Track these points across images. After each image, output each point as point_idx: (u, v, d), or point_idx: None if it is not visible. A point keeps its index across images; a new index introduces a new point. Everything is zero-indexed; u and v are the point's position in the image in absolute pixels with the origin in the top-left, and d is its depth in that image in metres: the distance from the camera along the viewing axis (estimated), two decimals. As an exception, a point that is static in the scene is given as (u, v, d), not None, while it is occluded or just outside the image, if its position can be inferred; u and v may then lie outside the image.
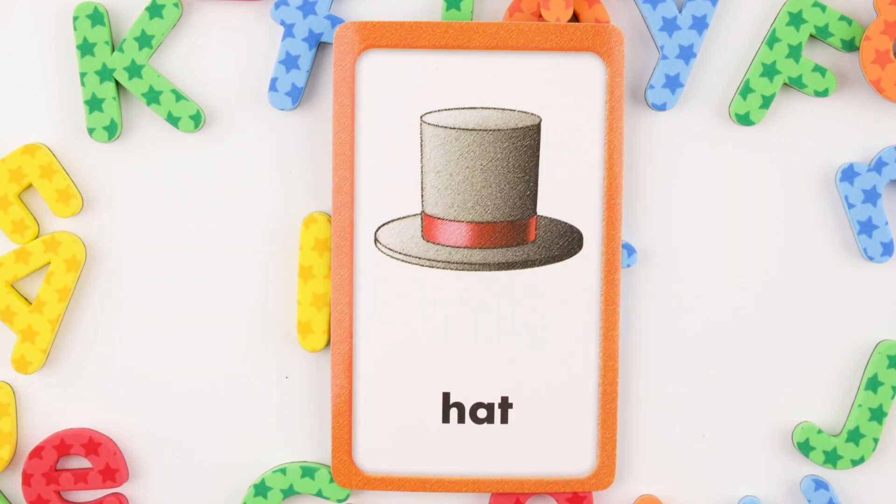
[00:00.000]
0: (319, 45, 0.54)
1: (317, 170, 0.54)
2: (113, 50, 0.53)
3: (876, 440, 0.54)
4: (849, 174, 0.54)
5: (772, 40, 0.53)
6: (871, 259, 0.54)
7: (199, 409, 0.55)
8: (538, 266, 0.53)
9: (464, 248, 0.53)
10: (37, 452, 0.55)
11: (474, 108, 0.52)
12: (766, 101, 0.53)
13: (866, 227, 0.54)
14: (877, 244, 0.54)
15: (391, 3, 0.54)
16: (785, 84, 0.53)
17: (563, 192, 0.53)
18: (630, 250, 0.53)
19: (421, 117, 0.52)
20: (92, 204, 0.55)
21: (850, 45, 0.53)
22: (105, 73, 0.53)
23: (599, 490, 0.54)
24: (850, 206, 0.54)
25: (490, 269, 0.53)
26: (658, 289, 0.55)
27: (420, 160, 0.52)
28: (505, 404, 0.53)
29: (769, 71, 0.53)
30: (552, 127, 0.52)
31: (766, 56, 0.53)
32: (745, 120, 0.53)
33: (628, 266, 0.54)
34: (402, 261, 0.53)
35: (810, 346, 0.55)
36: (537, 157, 0.52)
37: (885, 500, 0.56)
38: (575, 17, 0.54)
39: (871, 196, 0.54)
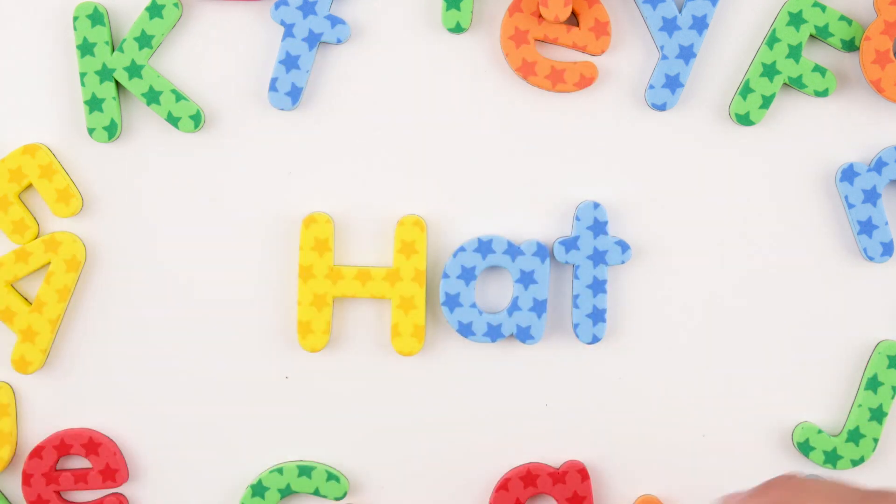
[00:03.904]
0: (319, 45, 0.54)
1: (317, 170, 0.54)
2: (113, 50, 0.53)
3: (876, 440, 0.54)
4: (849, 174, 0.53)
5: (772, 40, 0.53)
6: (871, 259, 0.54)
7: (198, 409, 0.55)
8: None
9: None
10: (37, 452, 0.55)
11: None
12: (766, 101, 0.53)
13: (866, 227, 0.54)
14: (877, 244, 0.54)
15: (391, 3, 0.54)
16: (785, 84, 0.53)
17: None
18: (624, 247, 0.53)
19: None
20: (92, 204, 0.55)
21: (850, 45, 0.53)
22: (105, 73, 0.53)
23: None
24: (850, 206, 0.54)
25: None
26: (658, 288, 0.55)
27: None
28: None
29: (769, 71, 0.53)
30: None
31: (766, 56, 0.53)
32: (745, 120, 0.53)
33: (622, 263, 0.53)
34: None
35: (810, 347, 0.55)
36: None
37: (885, 501, 0.56)
38: (574, 17, 0.54)
39: (871, 196, 0.53)
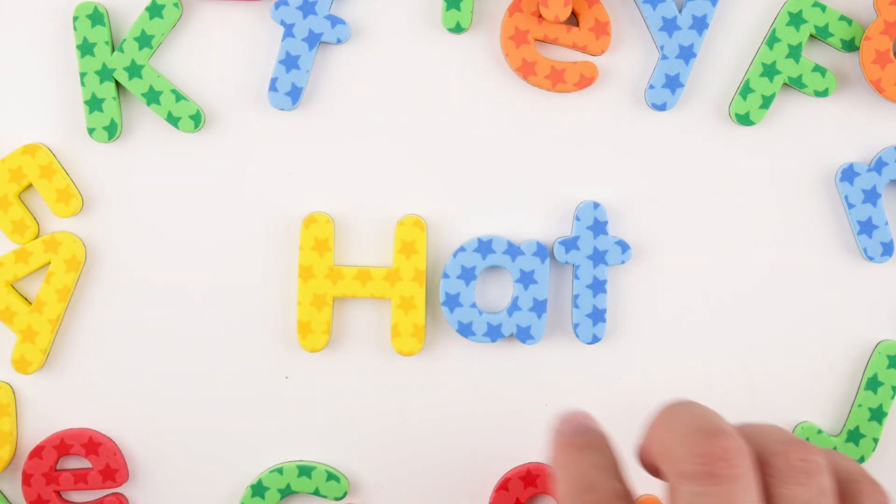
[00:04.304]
0: (319, 45, 0.54)
1: (317, 170, 0.54)
2: (113, 50, 0.53)
3: (876, 440, 0.54)
4: (849, 174, 0.53)
5: (772, 40, 0.53)
6: (871, 259, 0.54)
7: (198, 409, 0.55)
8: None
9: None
10: (37, 452, 0.55)
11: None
12: (766, 101, 0.53)
13: (866, 227, 0.54)
14: (877, 244, 0.54)
15: (391, 3, 0.54)
16: (785, 84, 0.53)
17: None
18: (624, 247, 0.53)
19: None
20: (92, 204, 0.55)
21: (850, 45, 0.53)
22: (105, 73, 0.53)
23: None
24: (850, 205, 0.54)
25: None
26: (658, 288, 0.55)
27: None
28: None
29: (769, 71, 0.53)
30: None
31: (766, 56, 0.53)
32: (745, 120, 0.53)
33: (622, 263, 0.53)
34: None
35: (810, 346, 0.55)
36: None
37: (886, 501, 0.56)
38: (574, 17, 0.54)
39: (871, 196, 0.53)
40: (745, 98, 0.53)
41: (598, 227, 0.53)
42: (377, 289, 0.54)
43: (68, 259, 0.54)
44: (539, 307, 0.54)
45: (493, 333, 0.54)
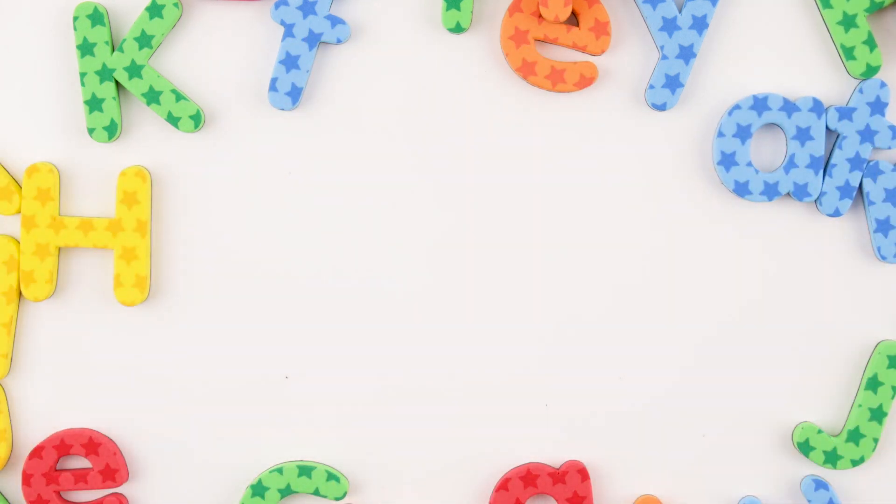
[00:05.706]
0: (319, 45, 0.54)
1: (317, 170, 0.54)
2: (113, 50, 0.53)
3: (876, 440, 0.54)
4: (873, 171, 0.53)
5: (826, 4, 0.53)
6: (883, 259, 0.54)
7: (198, 409, 0.55)
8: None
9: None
10: (37, 452, 0.55)
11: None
12: (871, 41, 0.53)
13: (883, 226, 0.53)
14: (891, 244, 0.53)
15: (391, 3, 0.54)
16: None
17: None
18: (894, 132, 0.53)
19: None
20: (91, 203, 0.55)
21: None
22: (105, 73, 0.53)
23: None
24: (871, 203, 0.53)
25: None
26: (658, 287, 0.55)
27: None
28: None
29: (847, 22, 0.53)
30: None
31: (831, 17, 0.53)
32: (871, 72, 0.53)
33: (889, 148, 0.53)
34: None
35: (810, 346, 0.55)
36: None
37: (885, 500, 0.56)
38: (574, 17, 0.54)
39: (893, 196, 0.53)
40: (853, 57, 0.53)
41: (878, 107, 0.53)
42: (99, 239, 0.53)
43: (6, 261, 0.54)
44: (816, 164, 0.53)
45: (770, 192, 0.53)
